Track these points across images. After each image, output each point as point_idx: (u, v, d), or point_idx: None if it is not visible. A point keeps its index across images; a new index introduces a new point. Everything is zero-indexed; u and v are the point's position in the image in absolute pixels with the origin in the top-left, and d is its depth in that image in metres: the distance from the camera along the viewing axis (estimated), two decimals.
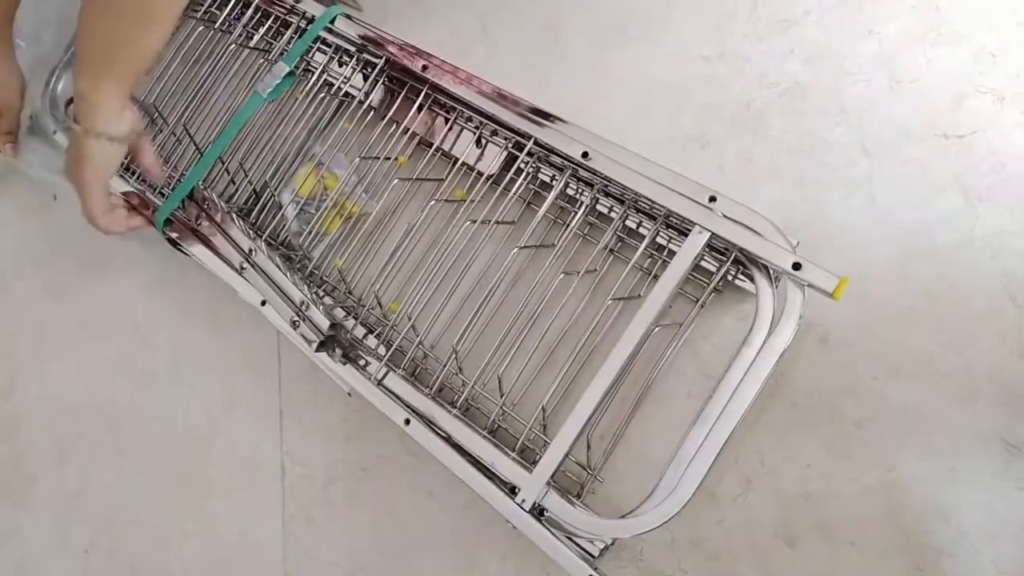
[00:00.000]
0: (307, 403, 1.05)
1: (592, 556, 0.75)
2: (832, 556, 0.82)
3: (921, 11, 0.93)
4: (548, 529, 0.73)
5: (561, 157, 0.88)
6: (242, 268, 0.96)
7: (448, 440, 0.81)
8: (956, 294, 0.85)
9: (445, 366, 0.88)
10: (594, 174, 0.85)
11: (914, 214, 0.87)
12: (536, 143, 0.87)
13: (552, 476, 0.75)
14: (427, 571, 0.94)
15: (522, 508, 0.74)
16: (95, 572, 1.09)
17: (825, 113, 0.93)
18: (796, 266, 0.71)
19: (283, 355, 1.08)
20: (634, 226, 0.91)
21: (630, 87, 1.03)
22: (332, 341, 0.89)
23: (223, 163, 1.06)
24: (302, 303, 0.90)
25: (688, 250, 0.76)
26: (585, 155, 0.83)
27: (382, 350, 0.88)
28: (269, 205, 1.07)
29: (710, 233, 0.76)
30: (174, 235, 1.02)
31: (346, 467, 1.01)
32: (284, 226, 1.05)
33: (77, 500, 1.13)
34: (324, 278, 1.03)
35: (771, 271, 0.76)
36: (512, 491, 0.76)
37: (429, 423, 0.82)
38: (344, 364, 0.88)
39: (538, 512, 0.75)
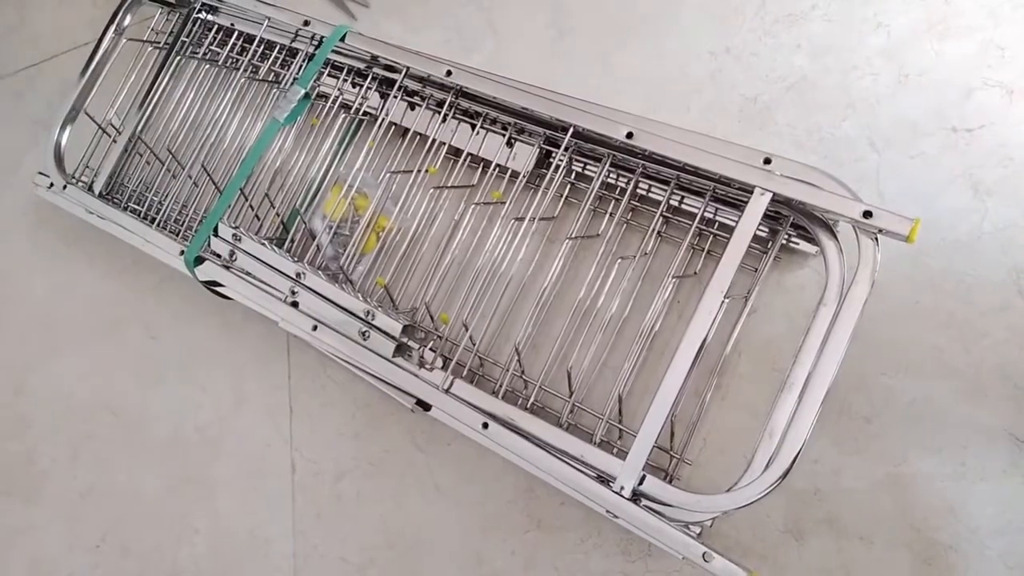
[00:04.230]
0: (317, 399, 1.06)
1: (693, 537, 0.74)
2: (841, 551, 0.82)
3: (929, 4, 0.93)
4: (652, 513, 0.73)
5: (601, 144, 0.87)
6: (293, 292, 0.92)
7: (530, 439, 0.80)
8: (964, 289, 0.85)
9: (508, 368, 0.88)
10: (639, 154, 0.85)
11: (922, 208, 0.87)
12: (575, 132, 0.87)
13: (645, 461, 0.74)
14: (436, 566, 0.95)
15: (621, 495, 0.73)
16: (106, 567, 1.10)
17: (832, 107, 0.93)
18: (867, 214, 0.70)
19: (292, 352, 1.09)
20: (677, 203, 0.91)
21: (637, 83, 1.03)
22: (407, 345, 0.87)
23: (246, 198, 1.05)
24: (367, 312, 0.88)
25: (752, 213, 0.75)
26: (629, 135, 0.82)
27: (439, 361, 0.88)
28: (301, 233, 1.06)
29: (772, 193, 0.75)
30: (209, 277, 0.99)
31: (355, 463, 1.01)
32: (319, 252, 1.02)
33: (88, 496, 1.14)
34: (368, 298, 0.98)
35: (832, 227, 0.75)
36: (602, 481, 0.75)
37: (508, 424, 0.81)
38: (420, 368, 0.86)
39: (635, 499, 0.74)
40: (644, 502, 0.74)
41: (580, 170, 0.97)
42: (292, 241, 1.05)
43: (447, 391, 0.85)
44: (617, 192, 0.94)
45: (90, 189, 1.17)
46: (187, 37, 1.20)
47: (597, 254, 0.89)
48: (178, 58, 1.20)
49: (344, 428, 1.03)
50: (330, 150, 1.07)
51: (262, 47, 1.12)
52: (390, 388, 0.88)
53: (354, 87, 1.06)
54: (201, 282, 1.01)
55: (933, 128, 0.89)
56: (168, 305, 1.18)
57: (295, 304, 0.92)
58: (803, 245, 0.87)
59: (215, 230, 0.99)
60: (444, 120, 0.98)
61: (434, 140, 0.98)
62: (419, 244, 1.02)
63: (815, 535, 0.83)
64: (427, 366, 0.87)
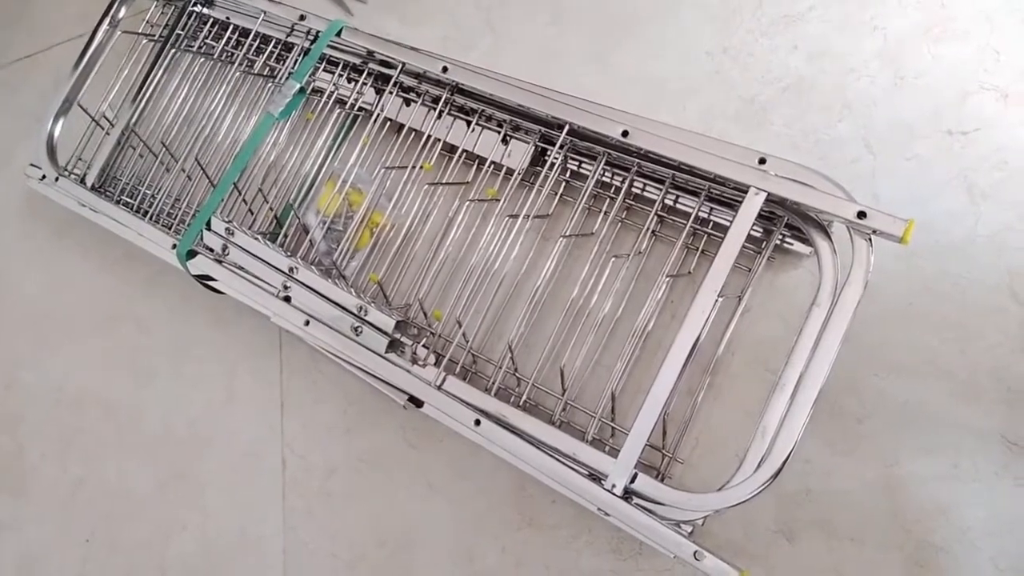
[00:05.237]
0: (308, 395, 1.05)
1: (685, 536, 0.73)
2: (832, 552, 0.82)
3: (926, 7, 0.93)
4: (643, 511, 0.73)
5: (596, 142, 0.87)
6: (285, 287, 0.92)
7: (522, 436, 0.79)
8: (958, 291, 0.85)
9: (501, 366, 0.87)
10: (634, 153, 0.85)
11: (917, 211, 0.87)
12: (571, 130, 0.86)
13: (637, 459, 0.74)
14: (426, 563, 0.95)
15: (613, 493, 0.73)
16: (95, 562, 1.09)
17: (829, 109, 0.93)
18: (861, 215, 0.70)
19: (284, 347, 1.08)
20: (671, 202, 0.91)
21: (634, 82, 1.03)
22: (400, 341, 0.87)
23: (240, 192, 1.04)
24: (360, 308, 0.88)
25: (746, 213, 0.75)
26: (625, 133, 0.82)
27: (432, 357, 0.88)
28: (295, 228, 1.06)
29: (767, 193, 0.75)
30: (201, 271, 0.99)
31: (346, 459, 1.01)
32: (312, 248, 1.02)
33: (78, 491, 1.13)
34: (361, 294, 0.97)
35: (827, 228, 0.75)
36: (594, 479, 0.75)
37: (500, 422, 0.81)
38: (412, 364, 0.86)
39: (627, 497, 0.74)
40: (636, 500, 0.74)
41: (575, 168, 0.97)
42: (285, 236, 1.04)
43: (439, 388, 0.84)
44: (612, 191, 0.94)
45: (82, 181, 1.16)
46: (182, 30, 1.19)
47: (591, 252, 0.89)
48: (173, 51, 1.19)
49: (335, 424, 1.03)
50: (324, 145, 1.06)
51: (257, 41, 1.12)
52: (382, 384, 0.88)
53: (349, 82, 1.06)
54: (193, 276, 1.00)
55: (929, 131, 0.89)
56: (160, 299, 1.17)
57: (288, 299, 0.92)
58: (797, 245, 0.87)
59: (208, 224, 0.98)
60: (439, 116, 0.98)
61: (429, 136, 0.98)
62: (413, 240, 1.02)
63: (806, 535, 0.83)
64: (420, 362, 0.86)
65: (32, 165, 1.18)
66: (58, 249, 1.26)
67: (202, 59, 1.18)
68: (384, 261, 1.01)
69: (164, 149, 1.11)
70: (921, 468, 0.81)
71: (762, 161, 0.76)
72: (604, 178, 0.94)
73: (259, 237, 0.95)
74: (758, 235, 0.87)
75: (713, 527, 0.84)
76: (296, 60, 1.07)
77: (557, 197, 0.97)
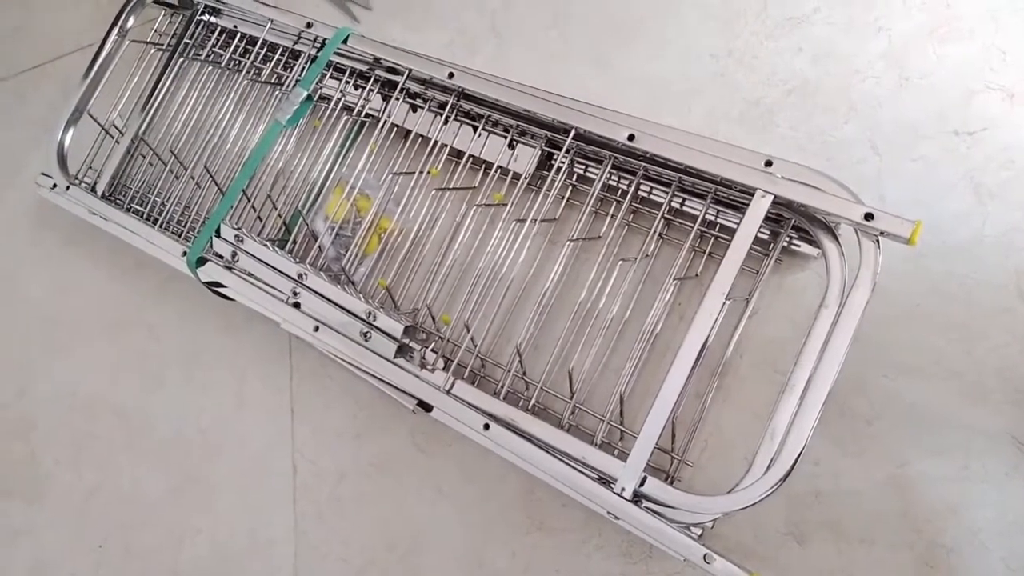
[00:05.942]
0: (318, 400, 1.06)
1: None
2: (842, 553, 0.82)
3: (930, 8, 0.93)
4: (653, 514, 0.73)
5: (603, 146, 0.88)
6: (295, 293, 0.92)
7: (531, 440, 0.80)
8: (965, 292, 0.85)
9: (510, 369, 0.88)
10: (640, 157, 0.85)
11: (924, 211, 0.87)
12: (577, 134, 0.87)
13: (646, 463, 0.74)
14: (436, 567, 0.95)
15: (622, 497, 0.74)
16: (109, 567, 1.10)
17: (834, 111, 0.93)
18: (868, 216, 0.70)
19: (294, 353, 1.09)
20: (678, 205, 0.91)
21: (639, 85, 1.03)
22: (408, 346, 0.87)
23: (249, 199, 1.05)
24: (368, 313, 0.88)
25: (753, 215, 0.75)
26: (631, 137, 0.83)
27: (440, 362, 0.88)
28: (303, 234, 1.07)
29: (773, 196, 0.75)
30: (211, 278, 0.99)
31: (356, 464, 1.02)
32: (321, 254, 1.02)
33: (91, 497, 1.14)
34: (370, 299, 0.96)
35: (834, 229, 0.76)
36: (604, 483, 0.76)
37: (509, 426, 0.81)
38: (421, 369, 0.86)
39: (636, 500, 0.74)
40: (645, 503, 0.74)
41: (582, 172, 0.97)
42: (294, 242, 1.05)
43: (448, 392, 0.85)
44: (618, 194, 0.95)
45: (93, 190, 1.17)
46: (190, 39, 1.21)
47: (598, 256, 0.90)
48: (181, 60, 1.21)
49: (345, 429, 1.03)
50: (332, 152, 1.07)
51: (265, 49, 1.13)
52: (391, 389, 0.88)
53: (356, 89, 1.07)
54: (203, 283, 1.01)
55: (935, 131, 0.90)
56: (170, 306, 1.18)
57: (297, 305, 0.93)
58: (804, 247, 0.87)
59: (217, 231, 0.99)
60: (446, 122, 0.98)
61: (436, 142, 0.99)
62: (421, 245, 1.02)
63: (816, 537, 0.83)
64: (428, 367, 0.87)
65: (43, 174, 1.19)
66: (69, 257, 1.27)
67: (210, 67, 1.19)
68: (392, 266, 1.02)
69: (173, 157, 1.12)
70: (931, 469, 0.81)
71: (768, 163, 0.77)
72: (610, 182, 0.94)
73: (268, 243, 0.96)
74: (765, 237, 0.88)
75: (723, 529, 0.85)
76: (303, 67, 1.08)
77: (564, 201, 0.98)
